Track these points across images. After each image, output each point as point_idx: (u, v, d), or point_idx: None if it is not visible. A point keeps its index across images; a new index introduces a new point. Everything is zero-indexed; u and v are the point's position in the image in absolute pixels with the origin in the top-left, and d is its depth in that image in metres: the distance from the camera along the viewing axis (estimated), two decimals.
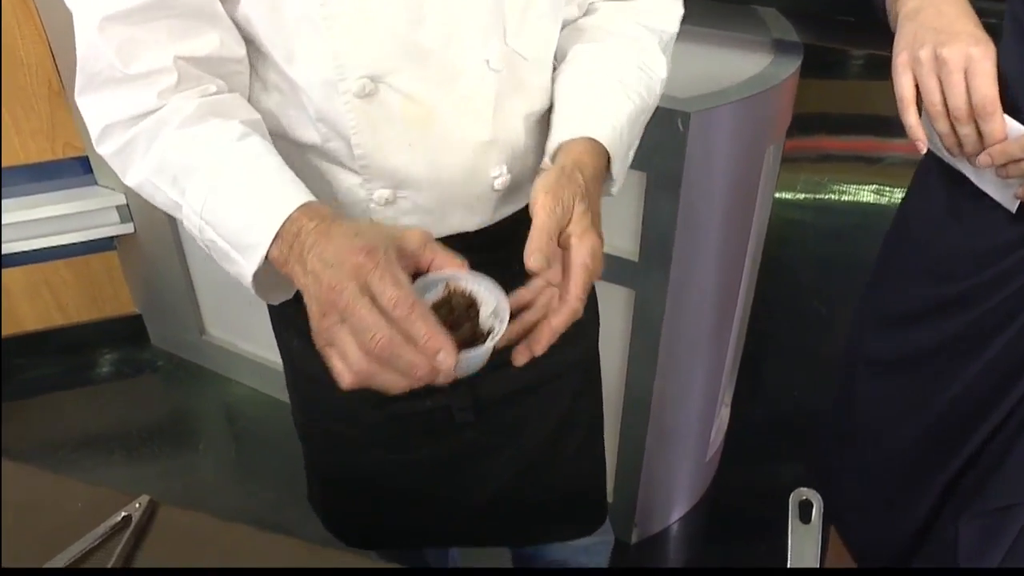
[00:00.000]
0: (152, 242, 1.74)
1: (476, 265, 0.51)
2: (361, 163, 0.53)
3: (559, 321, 0.52)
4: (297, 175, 0.51)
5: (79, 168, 1.87)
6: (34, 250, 1.93)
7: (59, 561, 0.82)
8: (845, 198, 2.36)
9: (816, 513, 0.53)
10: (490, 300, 0.49)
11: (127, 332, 2.20)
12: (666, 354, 1.32)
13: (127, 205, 1.73)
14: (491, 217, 0.60)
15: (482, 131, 0.55)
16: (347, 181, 0.55)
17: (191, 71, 0.50)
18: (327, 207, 0.48)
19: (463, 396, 0.70)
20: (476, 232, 0.60)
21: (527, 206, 0.50)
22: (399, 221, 0.57)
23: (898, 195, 2.46)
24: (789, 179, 2.41)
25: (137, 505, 0.88)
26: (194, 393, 2.10)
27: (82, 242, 1.75)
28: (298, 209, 0.47)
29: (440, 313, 0.48)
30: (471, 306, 0.49)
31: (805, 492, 0.54)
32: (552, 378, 0.73)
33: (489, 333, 0.48)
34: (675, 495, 1.66)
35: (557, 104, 0.57)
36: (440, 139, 0.54)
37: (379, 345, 0.43)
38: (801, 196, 2.43)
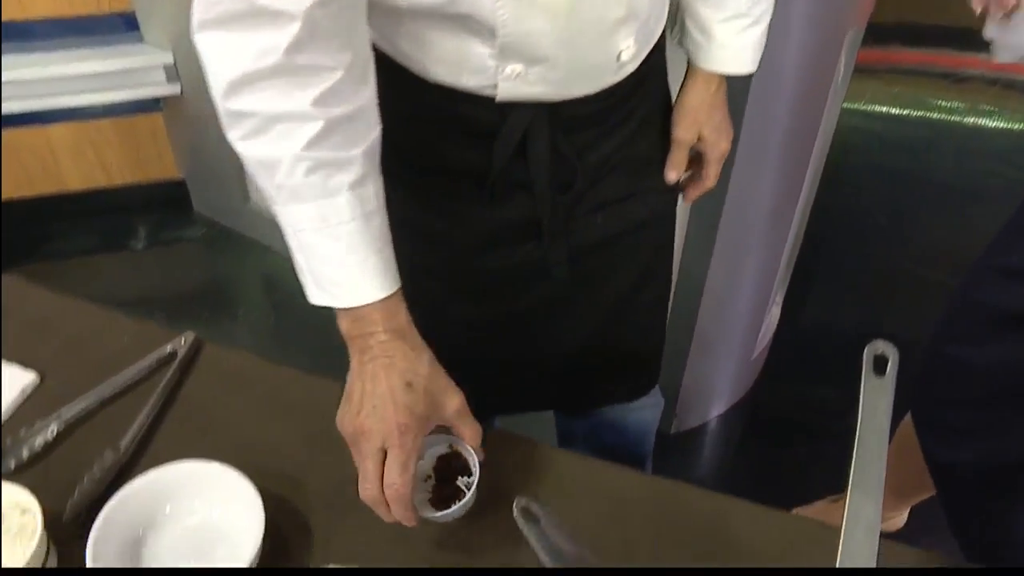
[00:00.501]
0: (199, 104, 1.68)
1: (596, 120, 0.64)
2: (503, 41, 0.55)
3: (694, 195, 0.78)
4: (431, 49, 0.56)
5: (124, 24, 1.80)
6: (78, 107, 1.89)
7: (105, 390, 0.84)
8: (917, 112, 2.24)
9: (891, 366, 0.50)
10: (473, 466, 0.64)
11: (169, 197, 2.18)
12: (723, 241, 1.30)
13: (174, 65, 1.66)
14: (612, 81, 0.64)
15: (618, 8, 0.58)
16: (480, 56, 0.57)
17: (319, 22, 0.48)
18: (402, 310, 0.57)
19: (559, 249, 0.71)
20: (596, 93, 0.63)
21: (645, 62, 0.64)
22: (521, 91, 0.59)
23: (971, 114, 2.36)
24: (859, 88, 2.30)
25: (183, 341, 0.88)
26: (235, 262, 2.10)
27: (127, 101, 1.70)
28: (377, 304, 0.55)
29: (439, 465, 0.66)
30: (463, 468, 0.65)
31: (881, 345, 0.50)
32: (638, 227, 0.75)
33: (469, 489, 0.63)
34: (717, 391, 1.65)
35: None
36: (581, 17, 0.56)
37: (365, 494, 0.57)
38: (871, 106, 2.31)
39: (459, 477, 0.64)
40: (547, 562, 0.47)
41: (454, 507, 0.62)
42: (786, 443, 1.63)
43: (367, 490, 0.55)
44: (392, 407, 0.55)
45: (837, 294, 1.96)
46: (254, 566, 0.64)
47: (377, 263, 0.54)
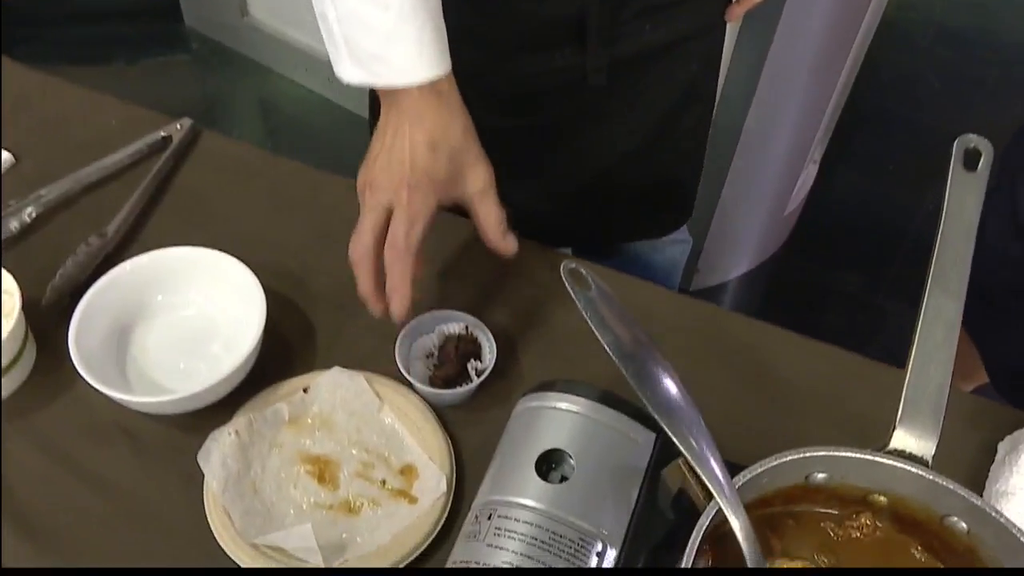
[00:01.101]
0: None
1: None
2: None
3: (739, 11, 0.73)
4: None
5: None
6: None
7: (89, 174, 0.76)
8: None
9: (984, 163, 0.46)
10: (487, 352, 0.63)
11: (158, 7, 2.02)
12: (767, 83, 1.26)
13: None
14: None
15: None
16: None
17: None
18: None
19: (600, 54, 0.69)
20: None
21: None
22: None
23: None
24: None
25: (179, 127, 0.80)
26: (228, 82, 1.98)
27: None
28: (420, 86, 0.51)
29: (449, 345, 0.63)
30: (475, 350, 0.63)
31: (973, 139, 0.46)
32: (685, 40, 0.73)
33: (479, 375, 0.61)
34: (743, 246, 1.62)
35: None
36: None
37: (353, 252, 0.55)
38: None
39: (471, 361, 0.62)
40: (600, 337, 0.44)
41: (457, 389, 0.60)
42: (809, 312, 1.61)
43: (356, 247, 0.54)
44: (408, 165, 0.52)
45: (879, 161, 1.87)
46: (251, 364, 0.62)
47: (433, 37, 0.50)
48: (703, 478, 0.41)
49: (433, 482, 0.58)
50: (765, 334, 0.71)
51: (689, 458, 0.42)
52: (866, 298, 1.55)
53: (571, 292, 0.48)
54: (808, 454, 0.44)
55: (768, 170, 1.47)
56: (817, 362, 0.69)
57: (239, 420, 0.60)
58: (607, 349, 0.46)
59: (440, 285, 0.73)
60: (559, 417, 0.53)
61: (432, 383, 0.64)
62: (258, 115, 1.96)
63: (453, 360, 0.65)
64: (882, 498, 0.45)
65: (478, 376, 0.63)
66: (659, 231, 0.93)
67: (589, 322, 0.47)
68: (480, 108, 0.73)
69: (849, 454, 0.44)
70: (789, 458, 0.43)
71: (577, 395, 0.53)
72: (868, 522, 0.46)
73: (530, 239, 0.77)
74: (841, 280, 1.66)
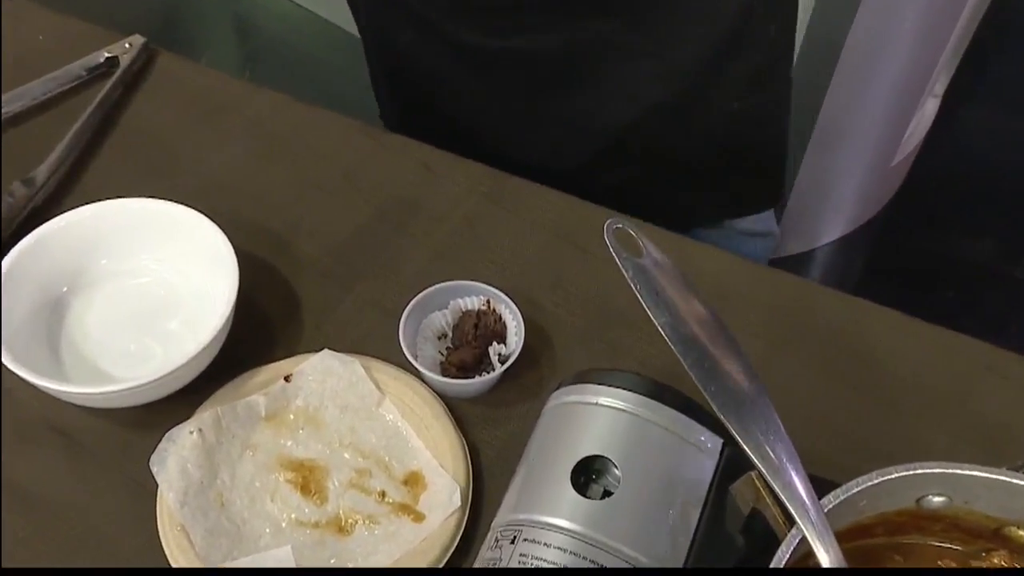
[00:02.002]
0: None
1: None
2: None
3: None
4: None
5: None
6: None
7: (12, 104, 0.77)
8: None
9: None
10: (513, 333, 0.63)
11: None
12: None
13: None
14: None
15: None
16: None
17: None
18: None
19: None
20: None
21: None
22: None
23: None
24: None
25: (127, 45, 0.81)
26: None
27: None
28: None
29: (466, 324, 0.64)
30: (499, 330, 0.64)
31: None
32: None
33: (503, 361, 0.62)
34: (838, 205, 1.60)
35: None
36: None
37: None
38: None
39: (493, 343, 0.63)
40: (653, 315, 0.43)
41: (476, 378, 0.61)
42: (923, 288, 1.57)
43: None
44: None
45: (1018, 98, 1.82)
46: (218, 346, 0.62)
47: None
48: (782, 497, 0.40)
49: (444, 495, 0.58)
50: (866, 315, 0.70)
51: (764, 471, 0.41)
52: (999, 270, 1.52)
53: (617, 259, 0.47)
54: (921, 471, 0.43)
55: (872, 106, 1.44)
56: (934, 352, 0.67)
57: (203, 416, 0.60)
58: (661, 331, 0.45)
59: (455, 249, 0.73)
60: (602, 416, 0.52)
61: (445, 371, 0.64)
62: (231, 34, 1.97)
63: (471, 342, 0.65)
64: (1022, 532, 0.44)
65: (501, 363, 0.63)
66: (715, 214, 0.94)
67: (639, 297, 0.46)
68: (458, 20, 0.73)
69: (976, 473, 0.43)
70: (896, 475, 0.42)
71: (624, 389, 0.53)
72: (1003, 563, 0.44)
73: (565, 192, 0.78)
74: (966, 247, 1.62)
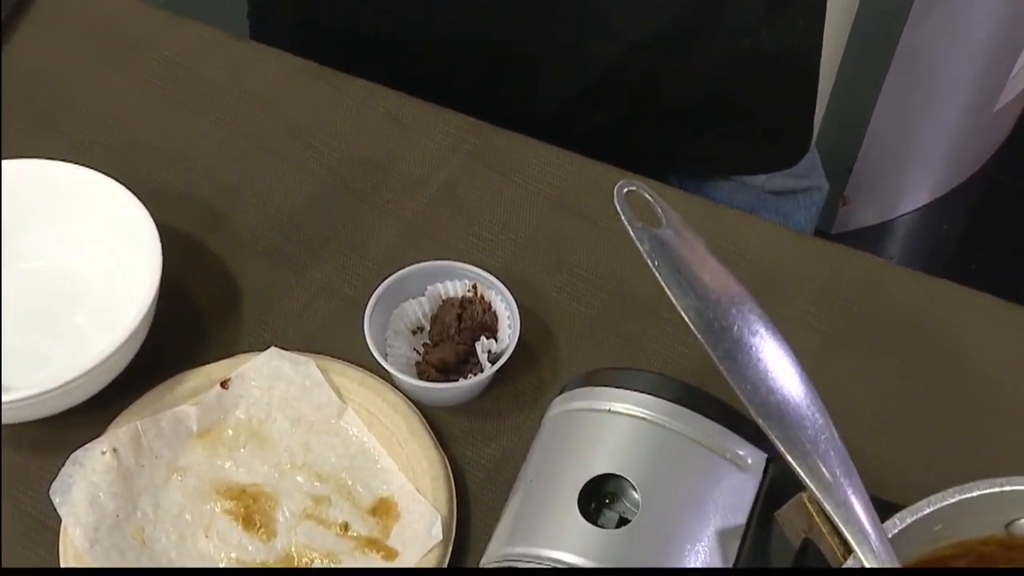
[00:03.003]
0: None
1: None
2: None
3: None
4: None
5: None
6: None
7: None
8: None
9: None
10: (505, 325, 0.64)
11: None
12: None
13: None
14: None
15: None
16: None
17: None
18: None
19: None
20: None
21: None
22: None
23: None
24: None
25: None
26: None
27: None
28: None
29: (447, 314, 0.66)
30: (488, 322, 0.66)
31: None
32: None
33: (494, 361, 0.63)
34: (921, 164, 1.59)
35: None
36: None
37: None
38: None
39: (480, 339, 0.64)
40: (675, 299, 0.44)
41: (461, 382, 0.62)
42: None
43: None
44: None
45: None
46: (137, 345, 0.63)
47: None
48: (838, 523, 0.42)
49: (422, 526, 0.59)
50: (950, 300, 0.71)
51: (816, 492, 0.42)
52: None
53: (630, 229, 0.48)
54: (1010, 487, 0.44)
55: (968, 38, 1.44)
56: (1008, 330, 0.69)
57: (118, 432, 0.61)
58: (685, 316, 0.46)
59: (433, 221, 0.74)
60: (616, 426, 0.53)
61: (422, 373, 0.65)
62: None
63: (453, 337, 0.66)
64: None
65: (492, 362, 0.64)
66: (725, 168, 0.96)
67: (658, 275, 0.47)
68: None
69: None
70: (978, 492, 0.43)
71: (644, 392, 0.54)
72: None
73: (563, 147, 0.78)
74: None
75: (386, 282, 0.65)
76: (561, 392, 0.58)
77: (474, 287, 0.67)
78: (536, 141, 0.77)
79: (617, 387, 0.55)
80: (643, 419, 0.53)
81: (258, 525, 0.60)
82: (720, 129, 0.93)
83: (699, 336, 0.45)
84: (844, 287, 0.71)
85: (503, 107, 0.81)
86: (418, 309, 0.67)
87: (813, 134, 0.99)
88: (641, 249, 0.48)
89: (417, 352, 0.66)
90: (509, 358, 0.64)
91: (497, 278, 0.66)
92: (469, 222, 0.73)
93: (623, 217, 0.48)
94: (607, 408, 0.54)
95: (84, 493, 0.58)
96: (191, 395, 0.64)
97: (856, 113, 1.48)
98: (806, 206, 1.02)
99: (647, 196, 0.50)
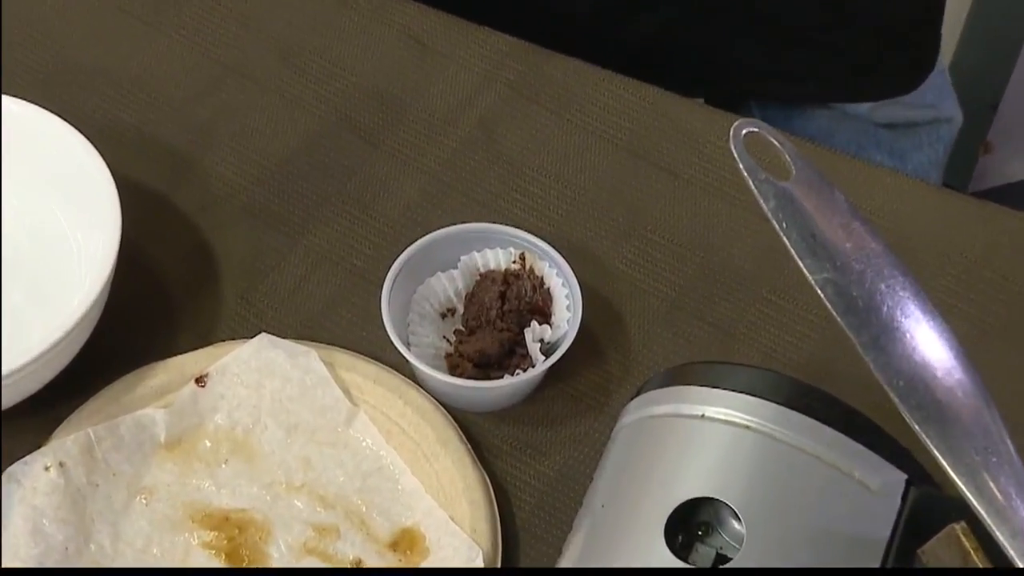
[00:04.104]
0: None
1: None
2: None
3: None
4: None
5: None
6: None
7: None
8: None
9: None
10: (562, 309, 0.65)
11: None
12: None
13: None
14: None
15: None
16: None
17: None
18: None
19: None
20: None
21: None
22: None
23: None
24: None
25: None
26: None
27: None
28: None
29: (486, 291, 0.67)
30: (539, 302, 0.67)
31: None
32: None
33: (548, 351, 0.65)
34: None
35: None
36: None
37: None
38: None
39: (531, 324, 0.65)
40: (806, 269, 0.45)
41: (505, 380, 0.63)
42: None
43: None
44: None
45: None
46: (88, 330, 0.63)
47: None
48: (1012, 554, 0.42)
49: (457, 563, 0.59)
50: None
51: (984, 515, 0.42)
52: None
53: (751, 182, 0.48)
54: None
55: None
56: None
57: (66, 442, 0.62)
58: (821, 293, 0.46)
59: (466, 173, 0.74)
60: (710, 437, 0.53)
61: (455, 368, 0.66)
62: None
63: (495, 323, 0.66)
64: None
65: (545, 355, 0.65)
66: (839, 89, 0.96)
67: (786, 240, 0.47)
68: None
69: None
70: None
71: (747, 394, 0.54)
72: None
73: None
74: None
75: (408, 251, 0.66)
76: (637, 393, 0.58)
77: (521, 257, 0.67)
78: (597, 68, 0.77)
79: (711, 386, 0.55)
80: (746, 427, 0.53)
81: (246, 561, 0.61)
82: (816, 38, 0.93)
83: (839, 318, 0.45)
84: (999, 261, 0.71)
85: (542, 20, 0.81)
86: (449, 286, 0.68)
87: (939, 48, 0.98)
88: (765, 208, 0.47)
89: (448, 341, 0.67)
90: (568, 349, 0.64)
91: (551, 245, 0.66)
92: (512, 173, 0.73)
93: (742, 166, 0.48)
94: (699, 414, 0.54)
95: (24, 520, 0.59)
96: (158, 395, 0.64)
97: (1005, 29, 1.46)
98: (930, 143, 1.01)
99: (772, 140, 0.49)
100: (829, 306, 0.46)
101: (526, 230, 0.67)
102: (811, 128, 0.96)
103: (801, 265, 0.47)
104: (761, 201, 0.48)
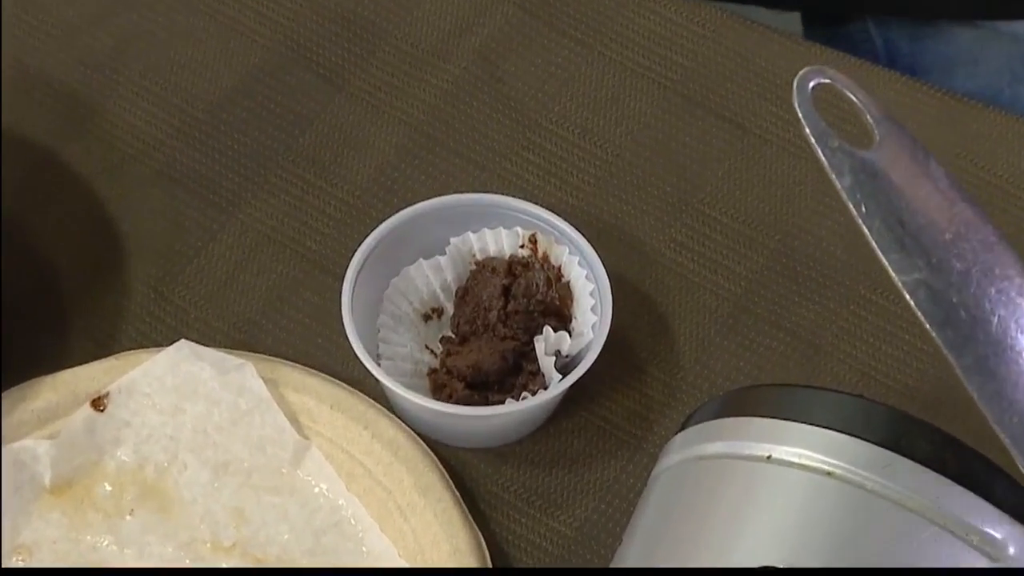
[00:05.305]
0: None
1: None
2: None
3: None
4: None
5: None
6: None
7: None
8: None
9: None
10: (585, 311, 0.66)
11: None
12: None
13: None
14: None
15: None
16: None
17: None
18: None
19: None
20: None
21: None
22: None
23: None
24: None
25: None
26: None
27: None
28: None
29: (484, 284, 0.68)
30: (554, 305, 0.68)
31: None
32: None
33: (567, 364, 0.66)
34: None
35: None
36: None
37: None
38: None
39: (543, 328, 0.66)
40: (885, 260, 0.45)
41: (509, 405, 0.64)
42: None
43: None
44: None
45: None
46: None
47: None
48: None
49: None
50: None
51: None
52: None
53: (818, 151, 0.48)
54: None
55: None
56: None
57: None
58: (909, 299, 0.46)
59: (460, 119, 0.75)
60: (780, 486, 0.54)
61: (440, 389, 0.66)
62: None
63: (495, 327, 0.67)
64: None
65: (562, 372, 0.65)
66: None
67: (865, 230, 0.47)
68: None
69: None
70: None
71: (827, 427, 0.54)
72: None
73: None
74: None
75: (379, 230, 0.67)
76: (685, 426, 0.59)
77: (532, 240, 0.68)
78: None
79: (783, 418, 0.56)
80: (828, 474, 0.54)
81: None
82: None
83: (932, 332, 0.45)
84: None
85: None
86: (434, 278, 0.69)
87: None
88: (838, 184, 0.48)
89: (432, 353, 0.68)
90: (592, 365, 0.65)
91: (573, 224, 0.67)
92: (522, 124, 0.74)
93: (808, 129, 0.48)
94: (765, 455, 0.55)
95: None
96: (41, 422, 0.65)
97: None
98: None
99: (850, 93, 0.50)
100: (920, 316, 0.46)
101: (539, 203, 0.68)
102: (948, 53, 0.97)
103: (884, 261, 0.47)
104: (833, 176, 0.48)
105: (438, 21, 0.76)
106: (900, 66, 1.00)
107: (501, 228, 0.68)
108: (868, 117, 0.50)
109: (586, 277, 0.67)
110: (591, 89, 0.75)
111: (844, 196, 0.48)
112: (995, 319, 0.47)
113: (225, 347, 0.66)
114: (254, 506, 0.65)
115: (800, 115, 0.48)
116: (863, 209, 0.48)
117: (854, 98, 0.50)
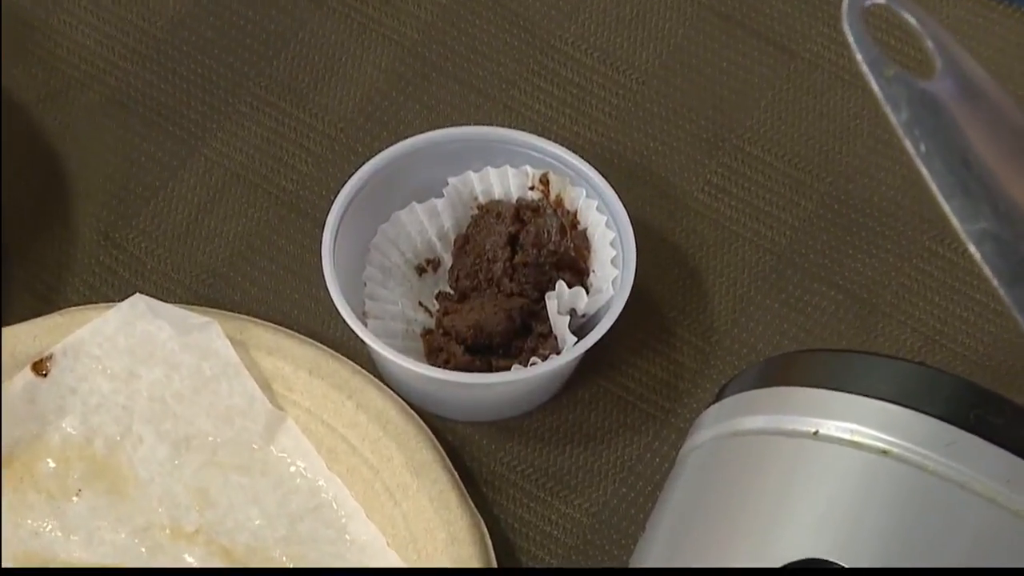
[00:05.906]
0: None
1: None
2: None
3: None
4: None
5: None
6: None
7: None
8: None
9: None
10: (604, 263, 0.67)
11: None
12: None
13: None
14: None
15: None
16: None
17: None
18: None
19: None
20: None
21: None
22: None
23: None
24: None
25: None
26: None
27: None
28: None
29: (487, 232, 0.69)
30: (569, 257, 0.68)
31: None
32: None
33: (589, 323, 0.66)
34: None
35: None
36: None
37: None
38: None
39: (557, 284, 0.66)
40: (948, 207, 0.46)
41: (516, 371, 0.65)
42: None
43: None
44: None
45: None
46: None
47: None
48: None
49: None
50: None
51: None
52: None
53: (872, 81, 0.49)
54: None
55: None
56: None
57: None
58: (975, 253, 0.47)
59: (459, 39, 0.75)
60: (830, 466, 0.55)
61: (436, 351, 0.67)
62: None
63: (500, 281, 0.68)
64: None
65: (578, 334, 0.66)
66: None
67: (925, 172, 0.48)
68: None
69: None
70: None
71: (883, 399, 0.55)
72: None
73: None
74: None
75: (365, 168, 0.67)
76: (719, 397, 0.59)
77: (544, 180, 0.69)
78: None
79: (833, 388, 0.56)
80: (883, 452, 0.54)
81: None
82: None
83: (1001, 290, 0.46)
84: None
85: None
86: (430, 224, 0.69)
87: None
88: (894, 119, 0.48)
89: (427, 311, 0.68)
90: (613, 326, 0.65)
91: (591, 163, 0.67)
92: (532, 45, 0.75)
93: (860, 57, 0.49)
94: (812, 430, 0.56)
95: None
96: None
97: None
98: None
99: (908, 16, 0.50)
100: (987, 271, 0.46)
101: (552, 138, 0.68)
102: None
103: (946, 208, 0.47)
104: (888, 110, 0.48)
105: None
106: None
107: (507, 167, 0.69)
108: (929, 42, 0.50)
109: (606, 224, 0.67)
110: (613, 5, 0.75)
111: (901, 133, 0.48)
112: None
113: (187, 303, 0.67)
114: (220, 487, 0.65)
115: (851, 39, 0.48)
116: (922, 148, 0.48)
117: (912, 19, 0.50)
